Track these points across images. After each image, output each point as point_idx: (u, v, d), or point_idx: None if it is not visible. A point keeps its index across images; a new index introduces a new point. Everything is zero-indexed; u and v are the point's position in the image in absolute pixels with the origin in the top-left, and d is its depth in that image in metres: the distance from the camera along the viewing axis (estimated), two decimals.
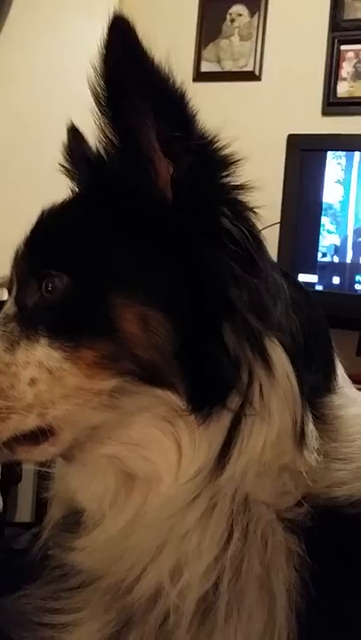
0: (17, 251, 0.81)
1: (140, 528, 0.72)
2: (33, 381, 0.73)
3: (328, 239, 2.49)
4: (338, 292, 2.48)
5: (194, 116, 0.75)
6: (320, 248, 2.46)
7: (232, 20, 3.07)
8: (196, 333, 0.71)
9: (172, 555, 0.70)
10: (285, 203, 2.39)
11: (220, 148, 0.76)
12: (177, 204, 0.75)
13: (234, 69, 3.04)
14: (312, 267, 2.46)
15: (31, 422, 0.73)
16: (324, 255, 2.48)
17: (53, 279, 0.75)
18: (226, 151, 0.76)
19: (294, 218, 2.42)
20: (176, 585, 0.69)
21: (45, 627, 0.75)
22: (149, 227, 0.75)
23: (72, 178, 0.91)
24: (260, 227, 0.78)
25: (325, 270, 2.48)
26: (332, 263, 2.49)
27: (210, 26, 3.09)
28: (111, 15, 0.76)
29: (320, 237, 2.46)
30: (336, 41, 2.88)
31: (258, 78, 3.00)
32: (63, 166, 0.92)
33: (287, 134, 2.49)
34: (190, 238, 0.74)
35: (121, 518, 0.74)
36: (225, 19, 3.07)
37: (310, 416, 0.74)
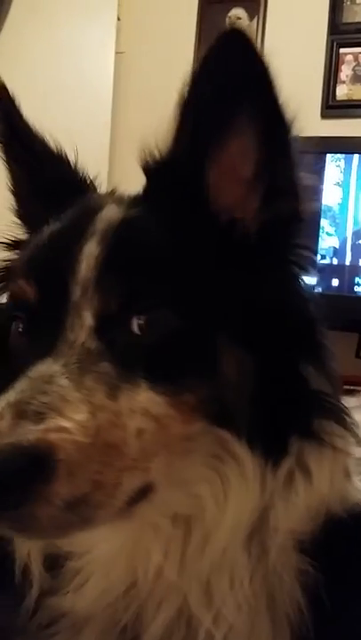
0: (75, 267, 0.67)
1: (185, 566, 0.68)
2: (140, 432, 0.63)
3: (327, 241, 2.49)
4: (337, 294, 2.48)
5: (298, 160, 0.72)
6: (319, 250, 2.46)
7: (231, 24, 3.07)
8: (278, 376, 0.68)
9: (201, 587, 0.68)
10: None
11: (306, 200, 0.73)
12: (262, 246, 0.71)
13: None
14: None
15: (138, 480, 0.63)
16: (323, 257, 2.48)
17: (154, 314, 0.65)
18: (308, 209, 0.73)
19: None
20: (208, 614, 0.67)
21: None
22: (241, 264, 0.70)
23: (11, 156, 0.85)
24: None
25: (325, 272, 2.48)
26: (331, 265, 2.49)
27: (209, 29, 3.08)
28: (227, 29, 0.69)
29: (319, 240, 2.46)
30: (335, 44, 2.89)
31: None
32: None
33: None
34: (275, 282, 0.71)
35: (163, 558, 0.68)
36: (224, 22, 3.07)
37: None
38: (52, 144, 0.84)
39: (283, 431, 0.68)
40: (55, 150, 0.84)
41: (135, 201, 0.75)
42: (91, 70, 2.94)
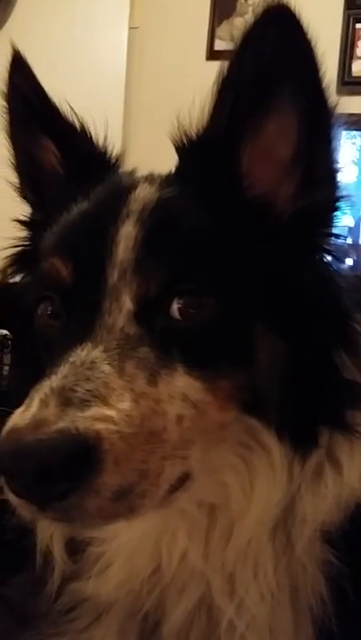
0: (112, 249, 0.66)
1: (210, 554, 0.68)
2: (180, 419, 0.61)
3: (342, 220, 2.47)
4: (352, 274, 2.46)
5: (337, 147, 0.70)
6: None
7: None
8: (310, 360, 0.67)
9: (224, 577, 0.68)
10: None
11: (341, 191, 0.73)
12: (295, 233, 0.70)
13: None
14: None
15: (178, 468, 0.62)
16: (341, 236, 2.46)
17: (196, 298, 0.64)
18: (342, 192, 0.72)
19: None
20: (231, 605, 0.67)
21: None
22: (275, 250, 0.68)
23: (11, 120, 0.82)
24: None
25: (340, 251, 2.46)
26: (346, 244, 2.48)
27: (224, 4, 3.04)
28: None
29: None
30: (351, 19, 2.84)
31: None
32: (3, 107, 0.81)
33: None
34: (308, 270, 0.70)
35: (189, 545, 0.68)
36: None
37: None
38: (74, 119, 0.81)
39: (313, 421, 0.67)
40: (78, 125, 0.81)
41: (168, 181, 0.73)
42: (104, 45, 2.92)
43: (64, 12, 2.79)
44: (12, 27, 2.68)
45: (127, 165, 0.84)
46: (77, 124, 0.81)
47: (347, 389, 0.68)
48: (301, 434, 0.67)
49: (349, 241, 2.48)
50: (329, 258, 0.72)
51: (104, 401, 0.56)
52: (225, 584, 0.68)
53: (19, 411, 0.55)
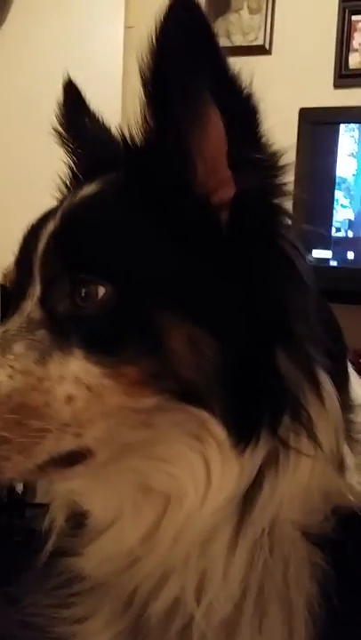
0: (38, 241, 0.72)
1: (158, 543, 0.70)
2: (70, 398, 0.66)
3: (342, 213, 2.47)
4: (353, 268, 2.46)
5: (264, 130, 0.70)
6: (334, 223, 2.44)
7: None
8: (245, 358, 0.68)
9: (196, 575, 0.69)
10: (298, 177, 2.36)
11: (276, 155, 0.71)
12: (234, 222, 0.70)
13: (244, 44, 3.00)
14: (326, 242, 2.44)
15: (68, 443, 0.67)
16: (338, 230, 2.46)
17: (92, 286, 0.67)
18: (283, 170, 0.71)
19: (307, 193, 2.39)
20: (200, 606, 0.68)
21: (56, 639, 0.74)
22: (201, 240, 0.69)
23: (67, 147, 0.86)
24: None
25: (340, 245, 2.46)
26: (346, 238, 2.47)
27: (219, 2, 3.04)
28: None
29: (334, 212, 2.44)
30: (347, 11, 2.83)
31: (268, 52, 2.96)
32: (58, 132, 0.85)
33: (299, 108, 2.46)
34: (248, 260, 0.69)
35: (137, 531, 0.71)
36: None
37: (344, 435, 0.72)
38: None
39: (254, 418, 0.68)
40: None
41: (109, 180, 0.76)
42: (100, 45, 2.91)
43: (59, 12, 2.78)
44: (9, 27, 2.68)
45: None
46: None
47: (282, 390, 0.68)
48: (245, 428, 0.67)
49: (350, 234, 2.49)
50: (275, 250, 0.71)
51: None
52: (194, 584, 0.69)
53: None
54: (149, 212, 0.70)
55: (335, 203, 2.44)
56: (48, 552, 0.79)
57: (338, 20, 2.84)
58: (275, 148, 0.71)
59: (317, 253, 2.41)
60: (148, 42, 0.68)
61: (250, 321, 0.68)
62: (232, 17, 3.02)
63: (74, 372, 0.66)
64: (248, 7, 3.01)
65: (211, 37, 0.67)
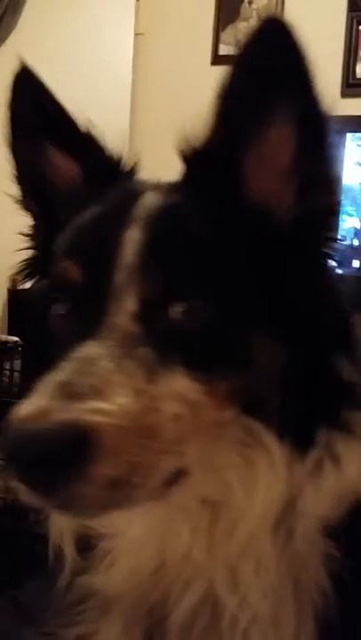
0: (119, 252, 0.68)
1: (209, 549, 0.69)
2: (177, 417, 0.64)
3: (348, 222, 2.47)
4: (359, 276, 2.46)
5: (333, 156, 0.71)
6: (340, 231, 2.45)
7: (250, 2, 3.04)
8: (308, 363, 0.69)
9: (226, 570, 0.69)
10: None
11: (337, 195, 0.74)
12: (295, 239, 0.71)
13: None
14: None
15: (171, 463, 0.64)
16: (343, 239, 2.46)
17: (194, 304, 0.66)
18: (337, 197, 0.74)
19: None
20: (233, 599, 0.68)
21: None
22: (274, 256, 0.70)
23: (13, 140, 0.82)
24: None
25: (345, 254, 2.46)
26: (352, 247, 2.48)
27: (228, 8, 3.06)
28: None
29: (340, 221, 2.45)
30: (355, 21, 2.85)
31: None
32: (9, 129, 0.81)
33: None
34: (308, 276, 0.71)
35: (191, 540, 0.70)
36: (243, 1, 3.04)
37: None
38: (83, 127, 0.81)
39: (312, 421, 0.68)
40: (89, 133, 0.81)
41: (173, 188, 0.74)
42: (110, 52, 2.93)
43: (70, 19, 2.80)
44: (19, 35, 2.70)
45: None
46: (92, 133, 0.81)
47: (344, 390, 0.69)
48: (301, 434, 0.68)
49: (356, 243, 2.49)
50: (330, 262, 0.73)
51: (104, 395, 0.59)
52: (228, 580, 0.69)
53: (25, 402, 0.57)
54: (227, 223, 0.70)
55: (341, 211, 2.45)
56: (67, 578, 0.76)
57: (346, 30, 2.86)
58: (335, 174, 0.72)
59: None
60: (236, 55, 0.69)
61: (316, 331, 0.69)
62: (241, 25, 3.04)
63: (178, 390, 0.65)
64: (257, 16, 3.02)
65: (298, 60, 0.68)
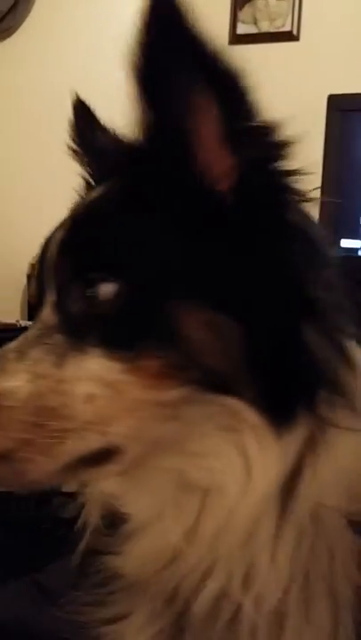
0: (50, 251, 0.74)
1: (201, 538, 0.69)
2: (90, 397, 0.67)
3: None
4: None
5: (256, 103, 0.69)
6: None
7: None
8: (271, 338, 0.67)
9: (242, 566, 0.68)
10: (327, 166, 2.34)
11: (280, 136, 0.71)
12: (239, 200, 0.69)
13: (271, 30, 2.97)
14: (355, 231, 2.42)
15: (93, 442, 0.68)
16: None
17: (103, 284, 0.68)
18: (283, 136, 0.72)
19: (336, 181, 2.37)
20: (248, 595, 0.67)
21: (94, 638, 0.74)
22: (205, 223, 0.69)
23: (82, 162, 0.87)
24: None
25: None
26: None
27: None
28: None
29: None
30: None
31: (296, 38, 2.93)
32: (72, 148, 0.86)
33: (328, 95, 2.43)
34: (258, 236, 0.69)
35: (179, 528, 0.70)
36: None
37: None
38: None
39: (289, 400, 0.67)
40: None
41: (111, 182, 0.77)
42: (125, 34, 2.91)
43: (87, 6, 2.79)
44: (31, 24, 2.69)
45: None
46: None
47: (314, 368, 0.67)
48: (281, 407, 0.67)
49: None
50: (289, 216, 0.70)
51: None
52: (242, 575, 0.69)
53: None
54: (152, 206, 0.71)
55: None
56: (81, 551, 0.79)
57: None
58: (268, 119, 0.70)
59: (346, 243, 2.39)
60: (133, 43, 0.70)
61: (269, 298, 0.67)
62: (259, 3, 2.99)
63: (92, 371, 0.68)
64: None
65: (189, 30, 0.68)
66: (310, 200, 0.73)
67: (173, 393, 0.68)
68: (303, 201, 0.72)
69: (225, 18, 3.01)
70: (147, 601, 0.73)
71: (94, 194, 0.77)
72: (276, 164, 0.70)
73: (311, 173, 0.73)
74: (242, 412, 0.68)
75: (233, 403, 0.67)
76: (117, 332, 0.68)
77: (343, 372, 0.68)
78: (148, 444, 0.70)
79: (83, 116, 0.88)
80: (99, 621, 0.75)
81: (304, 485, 0.67)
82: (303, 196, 0.72)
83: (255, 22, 3.01)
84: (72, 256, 0.72)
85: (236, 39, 2.99)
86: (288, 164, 0.71)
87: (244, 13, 3.03)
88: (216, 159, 0.70)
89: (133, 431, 0.68)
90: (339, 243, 2.28)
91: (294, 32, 2.93)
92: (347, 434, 0.67)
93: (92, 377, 0.68)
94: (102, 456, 0.69)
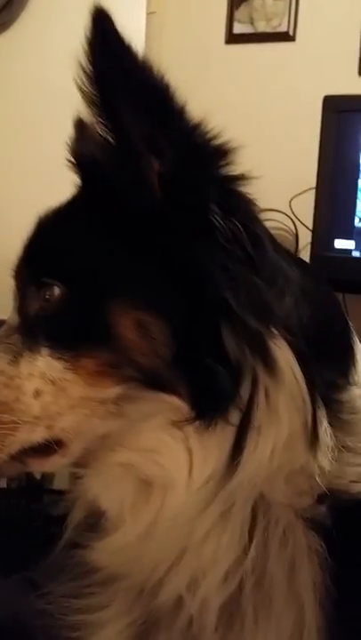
0: (18, 258, 0.82)
1: (158, 533, 0.72)
2: (37, 393, 0.73)
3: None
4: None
5: (179, 108, 0.73)
6: (357, 213, 2.42)
7: None
8: (194, 338, 0.70)
9: (189, 564, 0.70)
10: (321, 166, 2.34)
11: (211, 139, 0.74)
12: (165, 203, 0.73)
13: (267, 30, 2.96)
14: (349, 232, 2.42)
15: (39, 435, 0.74)
16: None
17: (50, 288, 0.75)
18: (219, 141, 0.74)
19: (330, 182, 2.37)
20: (195, 596, 0.70)
21: (70, 627, 0.77)
22: (143, 228, 0.73)
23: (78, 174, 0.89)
24: (261, 214, 0.77)
25: None
26: None
27: None
28: (92, 9, 0.76)
29: (357, 202, 2.42)
30: None
31: (292, 39, 2.92)
32: (71, 162, 0.89)
33: (323, 96, 2.43)
34: (182, 238, 0.72)
35: (139, 523, 0.74)
36: None
37: (324, 413, 0.72)
38: None
39: (217, 396, 0.70)
40: None
41: (74, 195, 0.83)
42: (122, 31, 2.90)
43: (73, 16, 2.78)
44: (30, 12, 2.68)
45: None
46: None
47: (229, 366, 0.69)
48: (211, 403, 0.70)
49: None
50: (203, 215, 0.72)
51: None
52: (187, 574, 0.70)
53: None
54: (95, 216, 0.76)
55: (359, 192, 2.42)
56: (62, 545, 0.84)
57: None
58: (193, 120, 0.74)
59: (340, 244, 2.39)
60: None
61: (190, 299, 0.70)
62: (256, 3, 2.98)
63: (40, 369, 0.73)
64: None
65: (118, 45, 0.79)
66: (251, 200, 0.76)
67: (113, 390, 0.72)
68: (246, 202, 0.75)
69: (222, 17, 3.01)
70: (121, 593, 0.76)
71: (58, 205, 0.83)
72: (202, 170, 0.73)
73: (253, 178, 0.74)
74: (180, 408, 0.71)
75: (171, 399, 0.71)
76: (61, 333, 0.74)
77: (259, 374, 0.70)
78: (95, 439, 0.75)
79: (82, 132, 0.89)
80: (75, 611, 0.77)
81: (236, 477, 0.69)
82: (245, 197, 0.74)
83: (252, 22, 3.00)
84: (29, 262, 0.80)
85: (233, 39, 2.98)
86: (226, 169, 0.73)
87: (241, 13, 3.02)
88: (147, 167, 0.73)
89: (76, 426, 0.74)
90: (333, 243, 2.28)
91: (290, 32, 2.92)
92: (266, 432, 0.69)
93: (40, 374, 0.73)
94: (48, 449, 0.74)
